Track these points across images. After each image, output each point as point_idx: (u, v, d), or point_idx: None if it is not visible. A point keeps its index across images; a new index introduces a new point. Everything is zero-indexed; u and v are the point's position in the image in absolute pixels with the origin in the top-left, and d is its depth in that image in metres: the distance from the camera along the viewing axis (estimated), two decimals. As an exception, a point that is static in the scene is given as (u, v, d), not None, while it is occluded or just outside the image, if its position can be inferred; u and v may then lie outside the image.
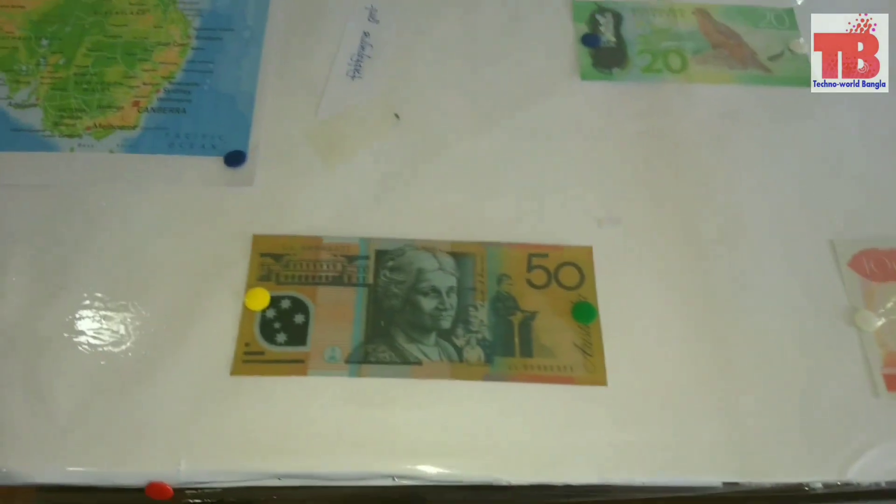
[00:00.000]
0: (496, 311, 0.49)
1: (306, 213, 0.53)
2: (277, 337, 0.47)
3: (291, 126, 0.57)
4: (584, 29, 0.64)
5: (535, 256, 0.51)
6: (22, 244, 0.50)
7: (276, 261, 0.50)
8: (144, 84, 0.58)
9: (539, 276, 0.50)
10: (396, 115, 0.58)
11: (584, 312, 0.48)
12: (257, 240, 0.51)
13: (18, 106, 0.56)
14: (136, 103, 0.57)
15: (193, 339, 0.47)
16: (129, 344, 0.47)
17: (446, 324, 0.48)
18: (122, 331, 0.47)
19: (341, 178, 0.54)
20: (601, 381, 0.46)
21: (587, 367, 0.47)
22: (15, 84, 0.58)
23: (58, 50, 0.59)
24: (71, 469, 0.43)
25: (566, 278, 0.50)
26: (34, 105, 0.57)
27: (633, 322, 0.49)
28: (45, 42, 0.60)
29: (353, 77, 0.60)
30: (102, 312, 0.48)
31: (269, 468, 0.44)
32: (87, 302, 0.48)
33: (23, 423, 0.44)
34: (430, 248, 0.51)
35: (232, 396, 0.45)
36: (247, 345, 0.47)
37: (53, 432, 0.44)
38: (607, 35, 0.63)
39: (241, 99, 0.58)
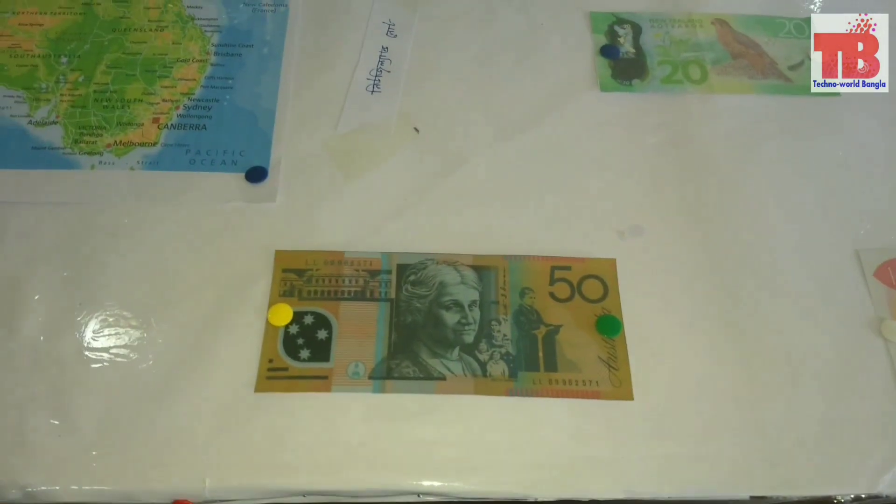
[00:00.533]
0: (519, 324, 0.48)
1: (328, 228, 0.53)
2: (301, 353, 0.47)
3: (312, 141, 0.57)
4: (603, 40, 0.63)
5: (557, 269, 0.50)
6: (44, 262, 0.50)
7: (298, 276, 0.50)
8: (164, 101, 0.58)
9: (562, 289, 0.50)
10: (416, 129, 0.58)
11: (609, 326, 0.48)
12: (280, 255, 0.51)
13: (39, 124, 0.57)
14: (156, 120, 0.57)
15: (217, 355, 0.47)
16: (152, 361, 0.47)
17: (469, 338, 0.48)
18: (146, 348, 0.47)
19: (362, 192, 0.54)
20: (627, 395, 0.46)
21: (613, 381, 0.46)
22: (35, 102, 0.58)
23: (77, 67, 0.60)
24: (96, 488, 0.43)
25: (590, 291, 0.50)
26: (54, 123, 0.57)
27: (658, 335, 0.48)
28: (64, 60, 0.60)
29: (372, 92, 0.60)
30: (126, 330, 0.48)
31: (294, 486, 0.43)
32: (111, 319, 0.48)
33: (47, 442, 0.44)
34: (451, 261, 0.51)
35: (256, 413, 0.45)
36: (270, 361, 0.47)
37: (78, 451, 0.44)
38: (626, 46, 0.63)
39: (261, 115, 0.58)
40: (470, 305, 0.49)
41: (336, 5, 0.65)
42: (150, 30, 0.62)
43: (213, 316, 0.48)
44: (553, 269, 0.50)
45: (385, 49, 0.62)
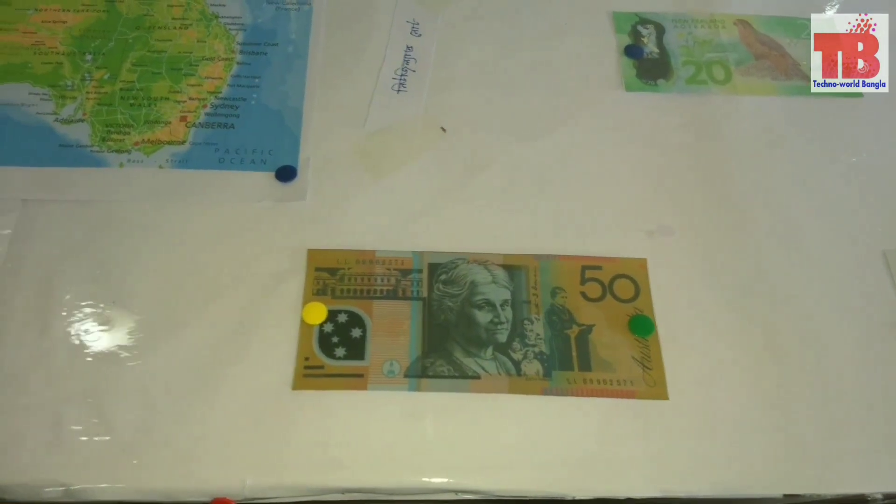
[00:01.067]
0: (552, 324, 0.49)
1: (358, 227, 0.53)
2: (336, 351, 0.47)
3: (339, 140, 0.57)
4: (627, 40, 0.64)
5: (588, 269, 0.51)
6: (75, 260, 0.50)
7: (331, 275, 0.50)
8: (191, 99, 0.58)
9: (594, 289, 0.50)
10: (443, 129, 0.58)
11: (642, 326, 0.48)
12: (312, 254, 0.51)
13: (65, 121, 0.57)
14: (183, 118, 0.57)
15: (252, 353, 0.47)
16: (188, 360, 0.47)
17: (502, 337, 0.48)
18: (181, 346, 0.47)
19: (391, 191, 0.55)
20: (662, 395, 0.46)
21: (647, 380, 0.47)
22: (61, 100, 0.58)
23: (102, 65, 0.60)
24: (135, 486, 0.43)
25: (621, 291, 0.50)
26: (81, 120, 0.57)
27: (690, 335, 0.49)
28: (88, 57, 0.60)
29: (398, 91, 0.60)
30: (160, 328, 0.48)
31: (333, 483, 0.44)
32: (145, 318, 0.48)
33: (86, 441, 0.44)
34: (482, 261, 0.51)
35: (293, 411, 0.45)
36: (306, 359, 0.47)
37: (116, 449, 0.44)
38: (650, 46, 0.63)
39: (288, 114, 0.58)
40: (502, 305, 0.49)
41: (359, 4, 0.65)
42: (175, 28, 0.62)
43: (247, 314, 0.48)
44: (584, 268, 0.51)
45: (410, 49, 0.63)
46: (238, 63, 0.60)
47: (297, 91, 0.59)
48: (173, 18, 0.63)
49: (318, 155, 0.56)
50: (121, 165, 0.55)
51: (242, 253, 0.51)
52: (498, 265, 0.51)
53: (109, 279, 0.50)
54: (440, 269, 0.51)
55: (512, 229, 0.53)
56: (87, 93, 0.58)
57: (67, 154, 0.55)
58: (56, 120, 0.57)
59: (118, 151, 0.55)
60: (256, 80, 0.60)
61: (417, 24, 0.64)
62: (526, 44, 0.63)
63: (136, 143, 0.56)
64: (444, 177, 0.55)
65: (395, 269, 0.50)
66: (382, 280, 0.50)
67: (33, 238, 0.51)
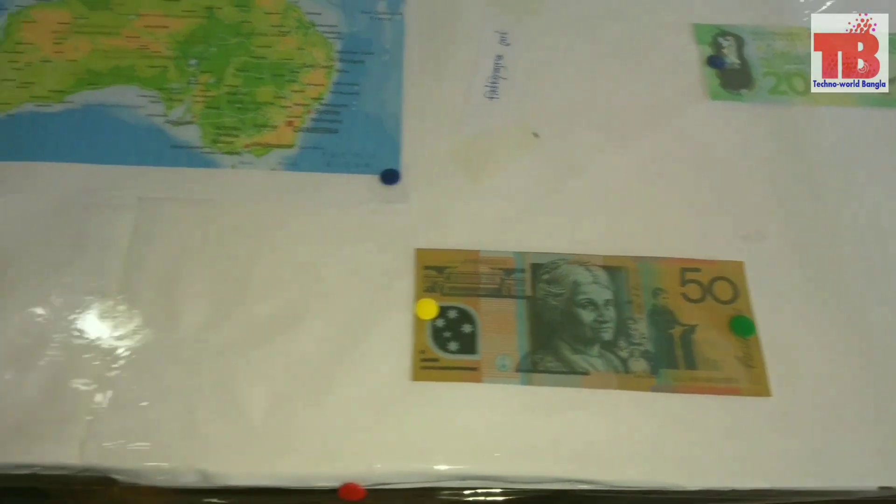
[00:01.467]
0: (655, 324, 0.51)
1: (459, 228, 0.55)
2: (449, 345, 0.50)
3: (437, 145, 0.59)
4: (709, 51, 0.66)
5: (687, 271, 0.53)
6: (195, 257, 0.53)
7: (438, 273, 0.52)
8: (296, 104, 0.61)
9: (694, 291, 0.52)
10: (535, 134, 0.60)
11: (743, 326, 0.50)
12: (420, 253, 0.53)
13: (175, 123, 0.59)
14: (290, 123, 0.59)
15: (371, 346, 0.49)
16: (311, 351, 0.49)
17: (608, 336, 0.50)
18: (304, 338, 0.49)
19: (489, 194, 0.57)
20: (765, 391, 0.48)
21: (750, 378, 0.49)
22: (169, 102, 0.60)
23: (207, 69, 0.62)
24: (267, 471, 0.45)
25: (721, 292, 0.52)
26: (191, 122, 0.59)
27: (789, 335, 0.51)
28: (192, 62, 0.62)
29: (490, 98, 0.62)
30: (282, 322, 0.50)
31: (454, 470, 0.46)
32: (265, 312, 0.50)
33: (218, 428, 0.46)
34: (582, 261, 0.53)
35: (413, 401, 0.47)
36: (422, 352, 0.49)
37: (248, 436, 0.46)
38: (731, 57, 0.65)
39: (387, 120, 0.60)
40: (605, 304, 0.51)
41: (447, 14, 0.67)
42: (273, 34, 0.65)
43: (363, 310, 0.51)
44: (683, 270, 0.53)
45: (500, 58, 0.65)
46: (338, 71, 0.63)
47: (395, 98, 0.62)
48: (271, 26, 0.65)
49: (418, 159, 0.58)
50: (233, 167, 0.57)
51: (354, 251, 0.53)
52: (598, 266, 0.53)
53: (230, 276, 0.52)
54: (542, 269, 0.53)
55: (608, 231, 0.55)
56: (195, 96, 0.61)
57: (180, 154, 0.57)
58: (166, 122, 0.59)
59: (229, 153, 0.58)
60: (356, 88, 0.62)
61: (506, 34, 0.67)
62: (610, 53, 0.66)
63: (247, 146, 0.58)
64: (539, 180, 0.58)
65: (498, 269, 0.53)
66: (487, 279, 0.52)
67: (153, 235, 0.53)
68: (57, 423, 0.46)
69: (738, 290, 0.52)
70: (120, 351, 0.48)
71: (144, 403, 0.47)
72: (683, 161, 0.59)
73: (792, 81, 0.64)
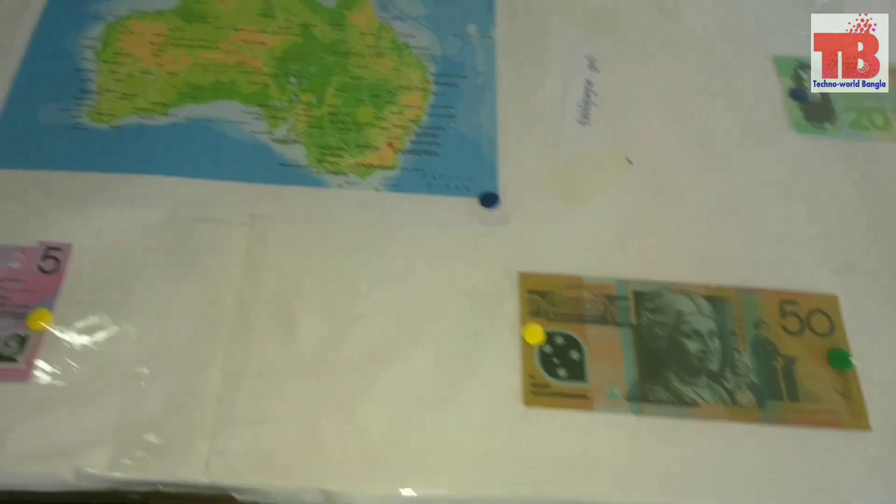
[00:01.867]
0: (758, 355, 0.52)
1: (559, 252, 0.56)
2: (559, 371, 0.51)
3: (532, 169, 0.61)
4: (790, 83, 0.67)
5: (786, 303, 0.54)
6: (308, 275, 0.54)
7: (542, 298, 0.54)
8: (395, 126, 0.62)
9: (792, 323, 0.54)
10: (628, 160, 0.62)
11: (840, 360, 0.52)
12: (524, 277, 0.54)
13: (280, 141, 0.60)
14: (390, 144, 0.61)
15: (481, 369, 0.51)
16: (424, 371, 0.50)
17: (714, 366, 0.52)
18: (416, 358, 0.51)
19: (587, 219, 0.58)
20: (864, 425, 0.50)
21: (850, 411, 0.50)
22: (273, 119, 0.61)
23: (307, 88, 0.63)
24: (388, 492, 0.46)
25: (818, 325, 0.53)
26: (295, 141, 0.60)
27: (887, 369, 0.52)
28: (293, 80, 0.63)
29: (582, 123, 0.64)
30: (393, 341, 0.51)
31: (566, 496, 0.47)
32: (379, 331, 0.52)
33: (340, 447, 0.47)
34: (685, 291, 0.55)
35: (526, 426, 0.49)
36: (531, 377, 0.51)
37: (368, 456, 0.47)
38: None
39: (484, 143, 0.62)
40: (709, 335, 0.53)
41: (536, 37, 0.69)
42: (369, 55, 0.66)
43: (472, 332, 0.52)
44: (782, 302, 0.54)
45: (590, 83, 0.66)
46: (434, 94, 0.64)
47: (490, 121, 0.63)
48: (367, 46, 0.66)
49: (515, 182, 0.60)
50: (339, 187, 0.58)
51: (459, 273, 0.55)
52: (701, 296, 0.54)
53: (342, 294, 0.53)
54: (646, 297, 0.54)
55: (704, 259, 0.57)
56: (297, 115, 0.62)
57: (289, 173, 0.59)
58: (272, 139, 0.60)
59: (335, 173, 0.59)
60: (451, 111, 0.63)
61: (594, 59, 0.68)
62: (694, 83, 0.67)
63: (351, 166, 0.59)
64: (634, 206, 0.59)
65: (602, 296, 0.54)
66: (591, 305, 0.54)
67: (266, 251, 0.55)
68: (180, 440, 0.47)
69: (833, 324, 0.54)
70: (240, 367, 0.49)
71: (265, 421, 0.48)
72: (772, 191, 0.61)
73: (872, 117, 0.66)
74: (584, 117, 0.64)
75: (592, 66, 0.67)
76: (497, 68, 0.66)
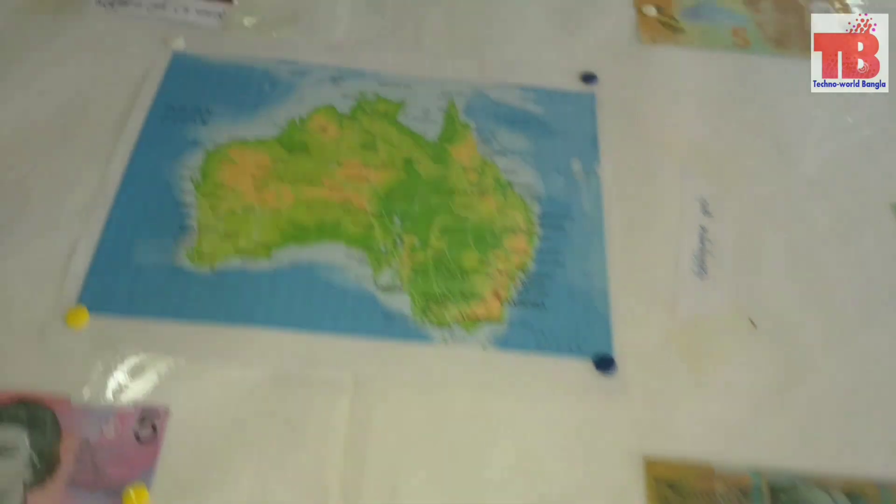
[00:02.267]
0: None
1: (685, 430, 0.52)
2: (691, 578, 0.46)
3: (650, 328, 0.57)
4: (919, 236, 0.63)
5: (935, 503, 0.49)
6: (414, 448, 0.50)
7: (671, 489, 0.49)
8: (500, 272, 0.59)
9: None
10: (753, 323, 0.58)
11: None
12: (650, 464, 0.50)
13: (385, 289, 0.57)
14: (496, 294, 0.58)
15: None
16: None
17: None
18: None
19: (713, 391, 0.54)
20: None
21: None
22: (377, 264, 0.58)
23: (411, 230, 0.61)
24: None
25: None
26: (399, 289, 0.57)
27: None
28: (397, 220, 0.61)
29: (699, 276, 0.60)
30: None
31: None
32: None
33: None
34: (822, 484, 0.50)
35: None
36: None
37: None
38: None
39: (595, 296, 0.58)
40: (851, 536, 0.48)
41: (643, 174, 0.66)
42: (472, 193, 0.63)
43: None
44: (931, 502, 0.49)
45: (704, 230, 0.63)
46: (540, 237, 0.61)
47: (600, 270, 0.60)
48: (470, 183, 0.64)
49: (632, 343, 0.56)
50: (444, 341, 0.55)
51: (577, 451, 0.51)
52: (839, 490, 0.50)
53: (453, 469, 0.50)
54: (781, 491, 0.49)
55: (840, 445, 0.52)
56: (402, 259, 0.59)
57: (393, 326, 0.56)
58: (377, 287, 0.57)
59: (440, 326, 0.56)
60: (559, 257, 0.60)
61: (707, 201, 0.64)
62: (814, 229, 0.64)
63: (456, 318, 0.56)
64: (763, 378, 0.55)
65: (735, 488, 0.50)
66: (724, 501, 0.49)
67: (370, 421, 0.51)
68: None
69: None
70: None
71: None
72: (913, 365, 0.56)
73: None
74: (702, 268, 0.61)
75: (705, 210, 0.64)
76: (605, 210, 0.63)
